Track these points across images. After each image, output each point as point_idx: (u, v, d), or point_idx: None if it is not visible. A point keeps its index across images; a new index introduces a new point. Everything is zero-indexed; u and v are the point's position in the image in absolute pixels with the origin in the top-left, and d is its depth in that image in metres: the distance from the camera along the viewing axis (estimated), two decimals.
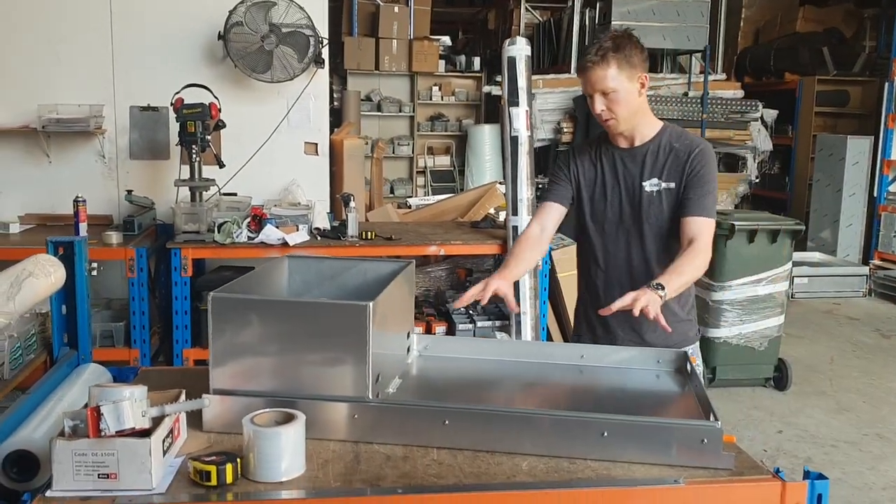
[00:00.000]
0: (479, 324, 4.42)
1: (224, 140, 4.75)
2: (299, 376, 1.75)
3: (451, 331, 4.43)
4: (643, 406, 1.95)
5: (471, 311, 4.55)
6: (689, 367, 2.07)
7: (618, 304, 2.08)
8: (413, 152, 9.87)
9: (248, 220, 4.25)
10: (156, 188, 4.88)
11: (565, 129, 9.64)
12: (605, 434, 1.65)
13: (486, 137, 9.41)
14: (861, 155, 8.70)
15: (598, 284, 2.54)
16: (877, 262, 8.46)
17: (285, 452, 1.55)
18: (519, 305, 4.17)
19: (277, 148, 4.84)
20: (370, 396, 1.72)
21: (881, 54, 9.55)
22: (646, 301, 2.05)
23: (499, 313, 4.56)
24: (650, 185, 2.41)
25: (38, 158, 4.77)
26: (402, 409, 1.72)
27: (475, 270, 5.23)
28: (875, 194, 8.63)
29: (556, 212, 2.54)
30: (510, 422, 1.68)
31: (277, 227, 4.25)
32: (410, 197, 7.14)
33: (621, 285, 2.41)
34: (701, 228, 2.33)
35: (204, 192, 4.38)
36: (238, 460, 1.53)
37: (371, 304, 1.70)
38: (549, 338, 4.52)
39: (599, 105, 2.35)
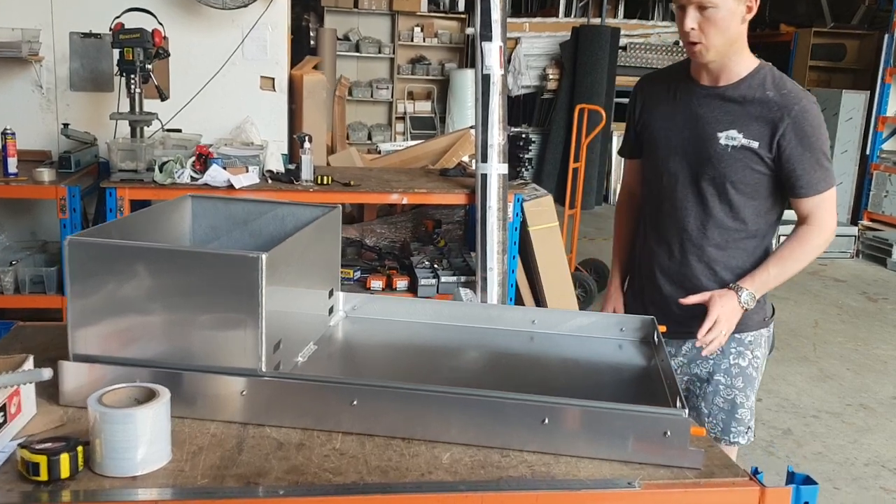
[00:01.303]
0: (444, 279, 4.10)
1: (172, 73, 4.36)
2: (179, 342, 1.43)
3: (413, 286, 4.12)
4: (598, 386, 1.64)
5: (435, 266, 4.23)
6: (656, 336, 1.76)
7: (694, 299, 1.91)
8: (392, 97, 9.45)
9: (193, 159, 3.89)
10: (98, 123, 4.49)
11: (551, 76, 9.24)
12: (547, 421, 1.35)
13: (468, 82, 8.98)
14: (855, 111, 8.37)
15: (646, 247, 2.15)
16: (866, 222, 8.19)
17: (141, 439, 1.23)
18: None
19: (230, 82, 4.45)
20: (263, 368, 1.41)
21: (882, 6, 9.15)
22: (720, 328, 1.88)
23: (464, 268, 4.25)
24: (726, 138, 1.92)
25: None
26: (302, 385, 1.40)
27: (444, 222, 4.90)
28: (868, 152, 8.32)
29: (640, 168, 2.19)
30: (432, 403, 1.37)
31: (225, 168, 3.89)
32: (384, 143, 6.77)
33: (669, 254, 2.07)
34: (816, 206, 1.93)
35: (145, 128, 4.01)
36: (79, 448, 1.22)
37: (264, 255, 1.38)
38: (518, 297, 4.22)
39: (690, 21, 1.86)
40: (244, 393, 1.40)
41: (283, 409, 1.40)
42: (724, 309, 1.87)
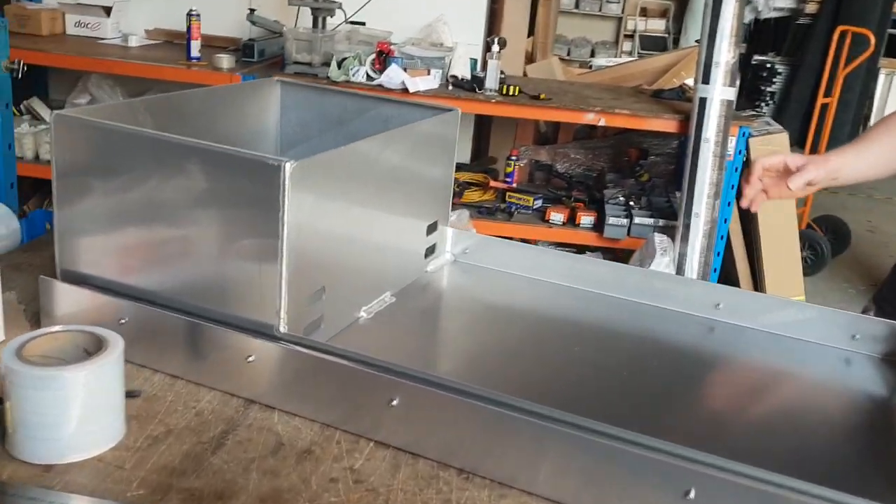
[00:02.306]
0: (637, 220, 3.47)
1: None
2: (180, 274, 1.03)
3: (599, 225, 3.54)
4: (801, 431, 1.04)
5: (630, 203, 3.61)
6: None
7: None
8: (623, 11, 8.59)
9: (373, 56, 3.52)
10: (290, 11, 4.23)
11: None
12: (693, 495, 0.80)
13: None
14: None
15: None
16: None
17: (67, 414, 0.84)
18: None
19: None
20: (282, 328, 0.97)
21: None
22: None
23: (666, 210, 3.59)
24: None
25: None
26: (327, 362, 0.94)
27: (652, 152, 4.22)
28: None
29: None
30: (518, 427, 0.86)
31: (405, 70, 3.48)
32: (598, 59, 6.07)
33: None
34: None
35: (327, 18, 3.67)
36: None
37: (290, 164, 0.92)
38: (727, 253, 3.51)
39: None
40: (251, 360, 0.97)
41: (300, 393, 0.96)
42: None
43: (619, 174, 4.05)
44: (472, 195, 3.75)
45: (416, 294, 1.27)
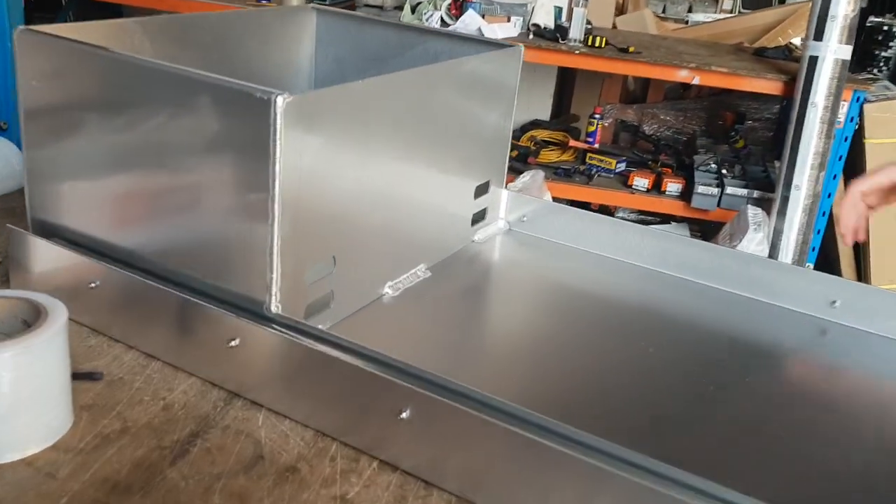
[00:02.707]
0: (730, 190, 3.15)
1: None
2: (157, 232, 0.84)
3: (687, 193, 3.24)
4: None
5: (723, 171, 3.29)
6: None
7: None
8: None
9: (449, 1, 3.27)
10: None
11: None
12: None
13: None
14: None
15: None
16: None
17: None
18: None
19: None
20: (273, 307, 0.77)
21: None
22: None
23: (763, 180, 3.26)
24: None
25: None
26: (322, 357, 0.73)
27: (750, 116, 3.85)
28: None
29: None
30: (556, 459, 0.64)
31: (483, 17, 3.23)
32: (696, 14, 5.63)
33: None
34: None
35: None
36: None
37: (284, 97, 0.71)
38: (828, 232, 3.17)
39: None
40: (234, 344, 0.77)
41: (292, 390, 0.76)
42: None
43: (712, 139, 3.71)
44: (550, 155, 3.49)
45: (457, 268, 1.05)
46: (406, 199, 0.95)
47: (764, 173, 3.35)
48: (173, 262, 0.82)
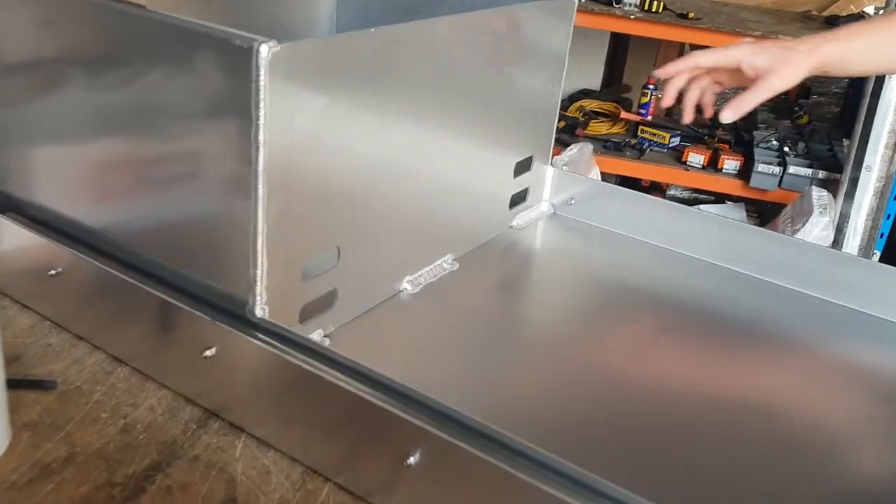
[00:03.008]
0: (792, 169, 2.93)
1: None
2: (131, 211, 0.69)
3: (745, 171, 3.02)
4: None
5: (785, 149, 3.06)
6: None
7: None
8: None
9: None
10: None
11: None
12: None
13: None
14: None
15: None
16: None
17: None
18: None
19: None
20: (258, 310, 0.62)
21: None
22: None
23: (828, 160, 3.02)
24: None
25: None
26: (312, 377, 0.58)
27: (816, 91, 3.60)
28: None
29: None
30: None
31: None
32: None
33: None
34: None
35: None
36: None
37: (270, 45, 0.55)
38: None
39: None
40: (210, 353, 0.62)
41: (278, 414, 0.61)
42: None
43: (774, 114, 3.47)
44: (599, 127, 3.30)
45: (490, 260, 0.89)
46: (431, 177, 0.79)
47: (830, 152, 3.11)
48: (146, 249, 0.68)
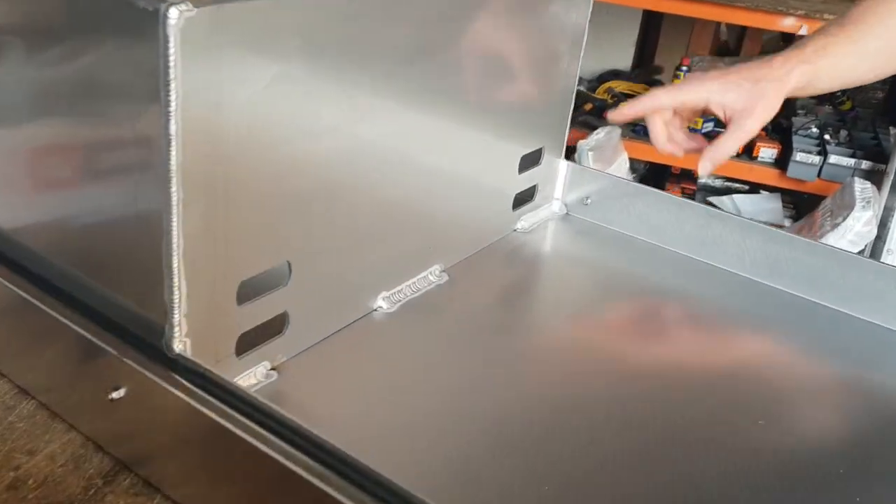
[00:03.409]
0: (833, 158, 2.75)
1: None
2: (34, 212, 0.57)
3: (783, 161, 2.84)
4: None
5: (825, 137, 2.88)
6: None
7: None
8: None
9: None
10: None
11: None
12: None
13: None
14: None
15: None
16: None
17: None
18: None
19: None
20: (176, 346, 0.49)
21: None
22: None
23: (873, 149, 2.84)
24: None
25: None
26: (228, 437, 0.45)
27: None
28: None
29: None
30: None
31: None
32: None
33: None
34: None
35: None
36: None
37: (182, 8, 0.42)
38: None
39: None
40: (117, 396, 0.50)
41: (197, 474, 0.49)
42: None
43: (815, 99, 3.28)
44: None
45: (485, 270, 0.76)
46: (414, 171, 0.66)
47: (874, 140, 2.93)
48: (55, 259, 0.55)
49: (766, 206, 3.00)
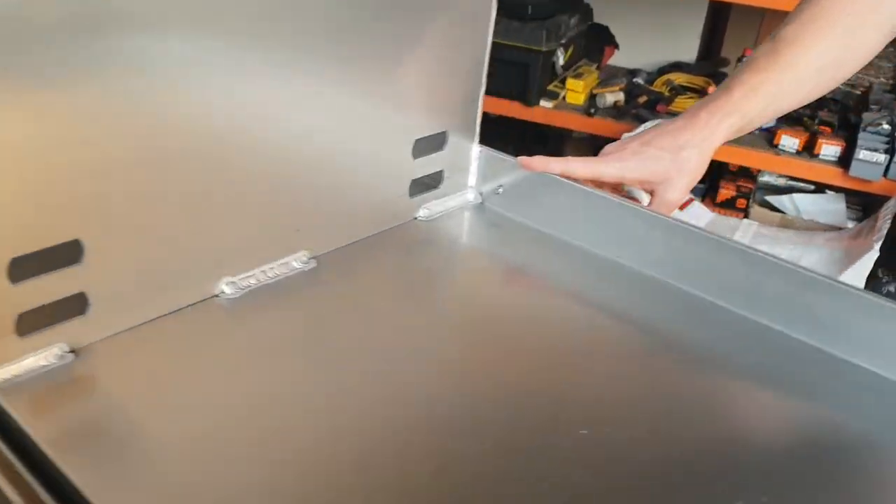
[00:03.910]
0: None
1: None
2: None
3: (845, 159, 2.66)
4: None
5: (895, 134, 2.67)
6: None
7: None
8: None
9: None
10: None
11: None
12: None
13: None
14: None
15: None
16: None
17: None
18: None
19: None
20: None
21: None
22: None
23: None
24: None
25: None
26: None
27: None
28: None
29: None
30: None
31: None
32: None
33: None
34: None
35: None
36: None
37: None
38: None
39: None
40: None
41: None
42: None
43: (893, 94, 3.06)
44: (686, 103, 2.98)
45: (367, 258, 0.71)
46: (276, 142, 0.62)
47: None
48: None
49: (828, 206, 2.82)
